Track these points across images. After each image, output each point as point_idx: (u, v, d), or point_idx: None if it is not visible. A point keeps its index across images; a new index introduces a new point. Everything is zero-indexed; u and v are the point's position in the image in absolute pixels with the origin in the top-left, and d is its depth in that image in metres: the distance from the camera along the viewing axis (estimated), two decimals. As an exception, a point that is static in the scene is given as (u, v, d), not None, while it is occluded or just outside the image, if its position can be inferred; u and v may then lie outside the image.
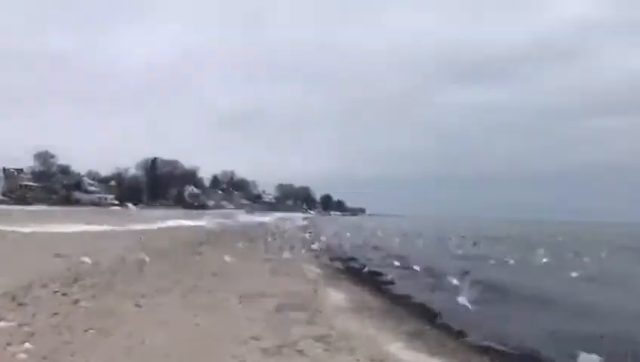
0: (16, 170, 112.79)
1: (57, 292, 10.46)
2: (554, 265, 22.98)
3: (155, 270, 14.65)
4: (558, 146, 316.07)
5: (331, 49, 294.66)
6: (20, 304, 9.15)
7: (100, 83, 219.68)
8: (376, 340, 8.68)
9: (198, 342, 7.63)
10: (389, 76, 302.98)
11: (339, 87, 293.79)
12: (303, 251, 24.93)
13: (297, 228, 53.86)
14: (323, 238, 33.59)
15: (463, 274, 15.93)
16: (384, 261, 24.34)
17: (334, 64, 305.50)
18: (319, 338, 8.19)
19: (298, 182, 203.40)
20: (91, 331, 7.71)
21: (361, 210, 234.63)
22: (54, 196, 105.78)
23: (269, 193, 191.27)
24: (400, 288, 16.26)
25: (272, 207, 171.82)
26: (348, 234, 41.13)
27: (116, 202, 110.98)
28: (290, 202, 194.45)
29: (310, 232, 43.13)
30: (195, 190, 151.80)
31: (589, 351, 7.33)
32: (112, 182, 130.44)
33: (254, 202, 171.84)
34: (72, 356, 6.57)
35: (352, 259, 24.51)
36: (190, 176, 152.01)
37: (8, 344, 6.78)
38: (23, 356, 6.38)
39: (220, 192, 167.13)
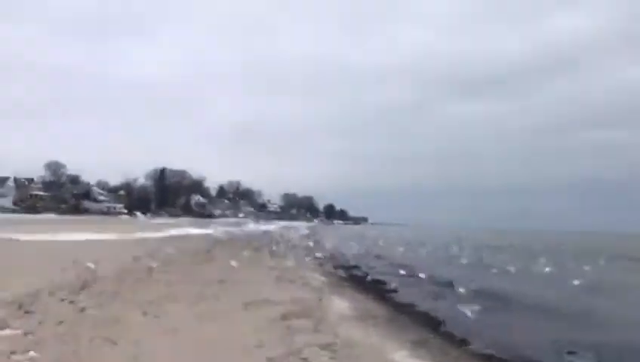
0: (27, 179, 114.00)
1: (64, 300, 10.59)
2: (556, 274, 22.89)
3: (163, 278, 14.78)
4: (558, 158, 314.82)
5: (335, 62, 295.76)
6: (27, 312, 9.25)
7: (110, 95, 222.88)
8: (381, 348, 8.74)
9: (204, 351, 7.69)
10: (392, 89, 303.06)
11: (342, 100, 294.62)
12: (307, 259, 24.97)
13: (301, 237, 53.88)
14: (326, 246, 33.64)
15: (466, 282, 15.95)
16: (387, 269, 24.35)
17: (338, 77, 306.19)
18: (324, 347, 8.23)
19: (302, 192, 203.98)
20: (97, 340, 7.76)
21: (364, 219, 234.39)
22: (64, 205, 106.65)
23: (274, 202, 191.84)
24: (403, 296, 16.29)
25: (276, 215, 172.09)
26: (351, 242, 41.15)
27: (125, 211, 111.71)
28: (294, 211, 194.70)
29: (314, 241, 43.15)
30: (202, 199, 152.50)
31: (590, 359, 7.36)
32: (121, 192, 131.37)
33: (259, 211, 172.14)
34: (76, 365, 6.63)
35: (356, 267, 24.57)
36: (197, 186, 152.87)
37: (12, 352, 6.80)
38: (26, 365, 6.42)
39: (226, 201, 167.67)
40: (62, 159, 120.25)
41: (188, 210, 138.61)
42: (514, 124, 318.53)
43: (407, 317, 12.79)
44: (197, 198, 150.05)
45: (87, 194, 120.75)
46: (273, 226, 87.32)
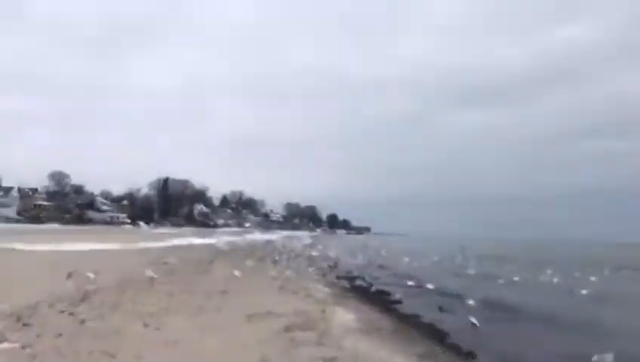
0: (31, 189, 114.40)
1: (64, 311, 10.42)
2: (563, 284, 22.63)
3: (164, 288, 14.60)
4: (558, 168, 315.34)
5: (337, 73, 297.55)
6: (25, 324, 9.09)
7: (113, 106, 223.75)
8: (387, 362, 8.53)
9: (206, 364, 7.52)
10: (393, 100, 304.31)
11: (344, 110, 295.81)
12: (310, 269, 24.76)
13: (304, 247, 53.60)
14: (330, 256, 33.40)
15: (472, 293, 15.73)
16: (391, 280, 24.11)
17: (340, 88, 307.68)
18: (328, 360, 8.05)
19: (305, 202, 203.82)
20: (96, 353, 7.60)
21: (367, 229, 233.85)
22: (67, 215, 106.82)
23: (277, 212, 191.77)
24: (408, 307, 16.08)
25: (279, 225, 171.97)
26: (354, 252, 40.91)
27: (128, 221, 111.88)
28: (297, 221, 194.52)
29: (317, 250, 42.85)
30: (205, 209, 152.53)
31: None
32: (125, 202, 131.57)
33: (262, 221, 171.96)
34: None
35: (359, 277, 24.31)
36: (200, 196, 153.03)
37: (10, 366, 6.65)
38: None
39: (229, 211, 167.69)
40: (66, 169, 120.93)
41: (191, 220, 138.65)
42: (514, 134, 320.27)
43: (413, 329, 12.58)
44: (200, 208, 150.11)
45: (90, 204, 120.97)
46: (276, 236, 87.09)
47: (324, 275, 23.02)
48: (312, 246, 57.05)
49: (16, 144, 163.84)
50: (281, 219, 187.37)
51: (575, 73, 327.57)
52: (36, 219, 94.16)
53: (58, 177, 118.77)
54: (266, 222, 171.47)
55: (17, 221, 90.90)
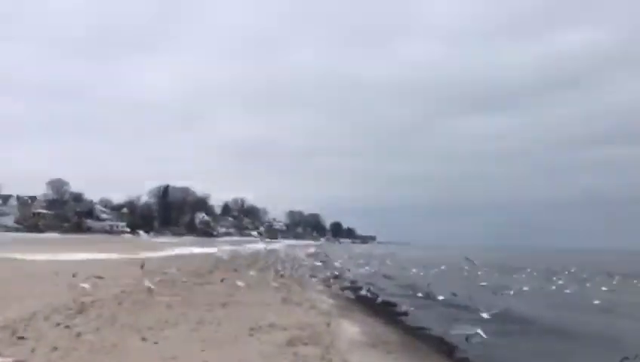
0: (30, 197, 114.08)
1: (60, 324, 10.07)
2: (575, 295, 22.20)
3: (163, 300, 14.24)
4: (563, 175, 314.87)
5: (340, 79, 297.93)
6: (20, 338, 8.78)
7: (113, 113, 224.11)
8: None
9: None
10: (398, 105, 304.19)
11: (348, 117, 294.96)
12: (314, 280, 24.36)
13: (307, 256, 53.21)
14: (334, 266, 33.00)
15: (481, 304, 15.31)
16: (397, 290, 23.69)
17: (343, 94, 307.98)
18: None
19: (308, 210, 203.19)
20: (92, 368, 7.26)
21: (372, 238, 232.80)
22: (66, 224, 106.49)
23: (280, 220, 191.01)
24: (415, 319, 15.69)
25: (282, 234, 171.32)
26: (359, 261, 40.51)
27: (127, 230, 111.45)
28: (300, 229, 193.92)
29: (321, 260, 42.44)
30: (206, 217, 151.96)
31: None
32: (124, 210, 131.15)
33: (265, 229, 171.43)
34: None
35: (364, 288, 23.84)
36: (201, 204, 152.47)
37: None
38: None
39: (231, 219, 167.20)
40: (65, 177, 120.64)
41: (192, 229, 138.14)
42: (520, 140, 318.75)
43: (421, 342, 12.21)
44: (201, 216, 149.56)
45: (90, 212, 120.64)
46: (278, 245, 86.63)
47: (328, 286, 22.63)
48: (315, 255, 56.65)
49: (15, 151, 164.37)
50: (284, 228, 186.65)
51: (581, 79, 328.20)
52: (35, 228, 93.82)
53: (57, 185, 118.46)
54: (269, 230, 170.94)
55: (16, 230, 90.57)
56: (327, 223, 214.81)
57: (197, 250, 49.62)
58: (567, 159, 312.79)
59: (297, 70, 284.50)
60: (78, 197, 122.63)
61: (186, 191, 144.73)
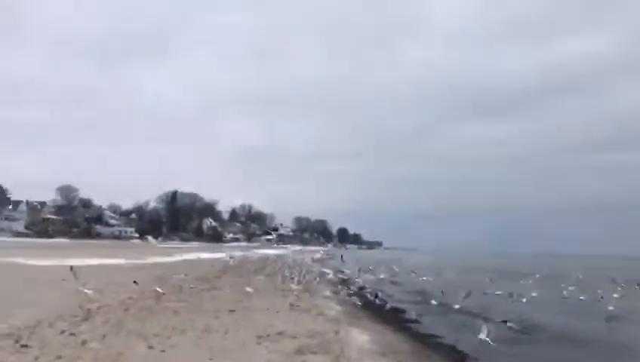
0: (40, 203, 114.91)
1: (65, 332, 9.92)
2: (588, 301, 21.76)
3: (170, 306, 14.08)
4: (567, 181, 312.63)
5: (347, 85, 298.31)
6: (23, 346, 8.62)
7: (121, 118, 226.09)
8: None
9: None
10: (404, 110, 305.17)
11: (355, 122, 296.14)
12: (321, 286, 24.11)
13: (314, 262, 52.92)
14: (341, 272, 32.73)
15: (494, 311, 15.03)
16: (405, 296, 23.35)
17: (350, 99, 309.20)
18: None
19: (315, 216, 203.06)
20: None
21: (378, 243, 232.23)
22: (75, 229, 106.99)
23: (287, 226, 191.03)
24: (425, 327, 15.37)
25: (289, 239, 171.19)
26: (366, 267, 40.13)
27: (136, 235, 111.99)
28: (306, 235, 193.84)
29: (328, 266, 42.13)
30: (214, 223, 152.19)
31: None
32: (133, 215, 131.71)
33: (272, 235, 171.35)
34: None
35: (372, 294, 23.54)
36: (209, 209, 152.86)
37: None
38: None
39: (239, 225, 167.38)
40: (74, 183, 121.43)
41: (200, 234, 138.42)
42: (525, 146, 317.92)
43: (432, 351, 11.87)
44: (209, 222, 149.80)
45: (99, 218, 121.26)
46: (285, 251, 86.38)
47: (336, 292, 22.36)
48: (322, 261, 56.34)
49: (25, 158, 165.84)
50: (290, 234, 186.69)
51: (585, 85, 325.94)
52: (44, 234, 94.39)
53: (66, 191, 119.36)
54: (276, 236, 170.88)
55: (26, 235, 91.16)
56: (334, 229, 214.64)
57: (205, 256, 49.53)
58: (567, 165, 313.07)
59: (306, 77, 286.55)
60: (87, 203, 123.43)
61: (194, 196, 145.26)
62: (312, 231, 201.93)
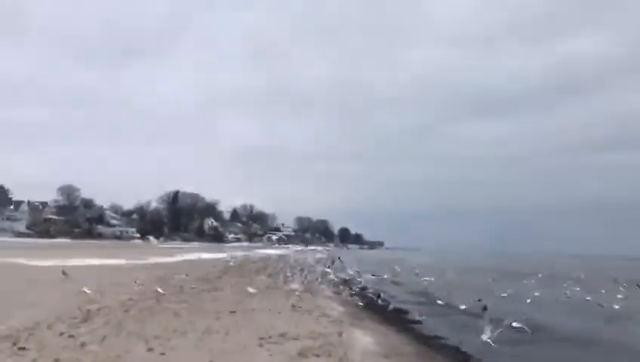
0: (41, 203, 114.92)
1: (64, 333, 9.78)
2: (594, 301, 21.55)
3: (171, 307, 13.94)
4: (568, 181, 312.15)
5: (348, 85, 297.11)
6: (21, 348, 8.49)
7: (122, 118, 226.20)
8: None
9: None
10: (404, 110, 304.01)
11: (356, 122, 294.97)
12: (323, 286, 23.95)
13: (316, 262, 52.69)
14: (343, 272, 32.57)
15: (498, 311, 14.82)
16: (407, 297, 23.18)
17: (351, 99, 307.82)
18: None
19: (316, 215, 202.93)
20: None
21: (380, 244, 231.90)
22: (77, 229, 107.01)
23: (288, 226, 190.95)
24: (429, 328, 15.21)
25: (290, 239, 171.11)
26: (368, 268, 40.02)
27: (138, 235, 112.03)
28: (308, 235, 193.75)
29: (330, 266, 41.90)
30: (215, 223, 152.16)
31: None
32: (134, 216, 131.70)
33: (273, 235, 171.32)
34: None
35: (375, 294, 23.40)
36: (211, 210, 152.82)
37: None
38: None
39: (240, 225, 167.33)
40: (76, 183, 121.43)
41: (201, 234, 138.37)
42: (526, 146, 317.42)
43: (436, 353, 11.72)
44: (210, 222, 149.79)
45: (100, 218, 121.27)
46: (287, 251, 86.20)
47: (338, 293, 22.20)
48: (324, 261, 56.09)
49: (27, 157, 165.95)
50: (292, 233, 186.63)
51: (583, 85, 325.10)
52: (46, 234, 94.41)
53: (68, 191, 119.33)
54: (277, 236, 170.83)
55: (27, 235, 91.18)
56: (336, 229, 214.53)
57: (206, 256, 49.43)
58: (567, 165, 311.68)
59: (307, 77, 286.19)
60: (88, 203, 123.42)
61: (195, 197, 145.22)
62: (314, 231, 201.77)
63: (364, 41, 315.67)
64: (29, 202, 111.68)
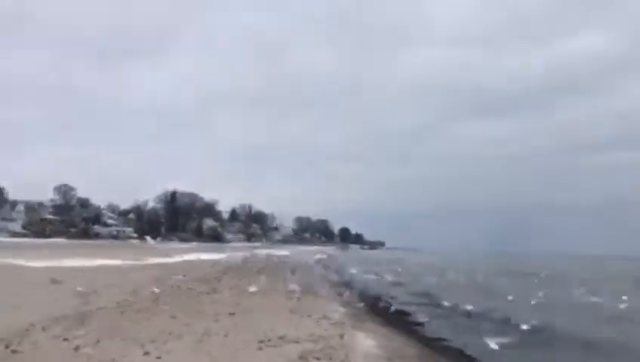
0: (37, 203, 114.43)
1: (58, 337, 9.52)
2: (601, 304, 21.34)
3: (168, 309, 13.66)
4: (570, 181, 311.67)
5: (348, 83, 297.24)
6: (14, 351, 8.27)
7: (119, 118, 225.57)
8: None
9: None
10: (404, 110, 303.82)
11: (356, 121, 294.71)
12: (324, 287, 23.72)
13: (316, 262, 52.51)
14: (344, 273, 32.39)
15: (503, 314, 14.61)
16: (410, 299, 22.95)
17: (351, 98, 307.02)
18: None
19: (316, 215, 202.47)
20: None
21: (381, 244, 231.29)
22: (73, 229, 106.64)
23: (287, 226, 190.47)
24: (432, 330, 14.94)
25: (290, 240, 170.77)
26: (369, 268, 39.82)
27: (135, 236, 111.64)
28: (307, 235, 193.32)
29: (330, 267, 41.83)
30: (214, 223, 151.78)
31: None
32: (131, 215, 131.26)
33: (272, 235, 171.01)
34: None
35: (377, 296, 23.17)
36: (209, 209, 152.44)
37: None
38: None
39: (239, 225, 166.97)
40: (72, 182, 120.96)
41: (199, 234, 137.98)
42: (527, 145, 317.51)
43: (440, 356, 11.48)
44: (209, 222, 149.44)
45: (97, 218, 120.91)
46: (286, 251, 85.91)
47: (339, 294, 21.93)
48: (324, 262, 55.92)
49: (22, 157, 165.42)
50: (291, 234, 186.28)
51: (584, 84, 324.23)
52: (42, 234, 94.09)
53: (64, 190, 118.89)
54: (276, 236, 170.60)
55: (23, 235, 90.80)
56: (336, 229, 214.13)
57: (205, 256, 49.07)
58: (567, 165, 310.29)
59: (306, 75, 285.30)
60: (84, 203, 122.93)
61: (193, 196, 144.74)
62: (314, 231, 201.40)
63: (364, 41, 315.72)
64: (25, 202, 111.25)
